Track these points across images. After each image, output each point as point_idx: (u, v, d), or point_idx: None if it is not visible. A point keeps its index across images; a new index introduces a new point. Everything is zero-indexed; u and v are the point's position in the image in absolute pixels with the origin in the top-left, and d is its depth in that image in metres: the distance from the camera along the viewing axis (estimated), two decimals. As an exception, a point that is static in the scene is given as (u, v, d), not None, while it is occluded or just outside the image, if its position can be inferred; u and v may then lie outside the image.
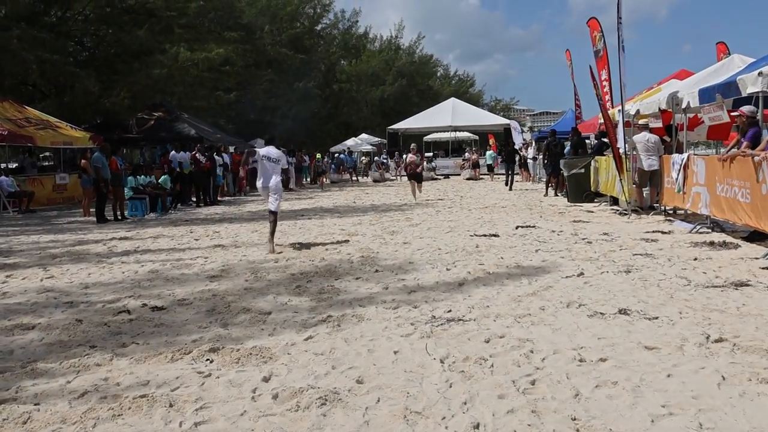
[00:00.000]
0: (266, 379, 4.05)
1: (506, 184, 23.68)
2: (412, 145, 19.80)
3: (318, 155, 37.41)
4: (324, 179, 30.28)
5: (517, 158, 27.12)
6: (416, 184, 19.06)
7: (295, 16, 44.39)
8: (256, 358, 4.48)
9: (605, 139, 15.87)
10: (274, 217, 9.66)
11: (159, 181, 17.70)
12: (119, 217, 15.28)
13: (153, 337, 5.08)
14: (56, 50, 23.13)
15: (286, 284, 7.01)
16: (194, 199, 19.82)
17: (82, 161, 16.13)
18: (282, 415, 3.52)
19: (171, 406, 3.63)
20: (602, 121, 15.03)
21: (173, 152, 19.78)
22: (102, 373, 4.22)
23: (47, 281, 7.56)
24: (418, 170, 19.24)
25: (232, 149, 27.18)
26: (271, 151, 9.74)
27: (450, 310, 5.62)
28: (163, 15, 26.23)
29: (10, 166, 21.56)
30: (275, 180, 9.55)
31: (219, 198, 21.16)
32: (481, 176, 32.38)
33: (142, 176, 17.17)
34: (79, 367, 4.35)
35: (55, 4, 25.57)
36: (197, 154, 19.75)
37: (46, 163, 27.38)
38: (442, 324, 5.19)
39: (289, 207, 17.55)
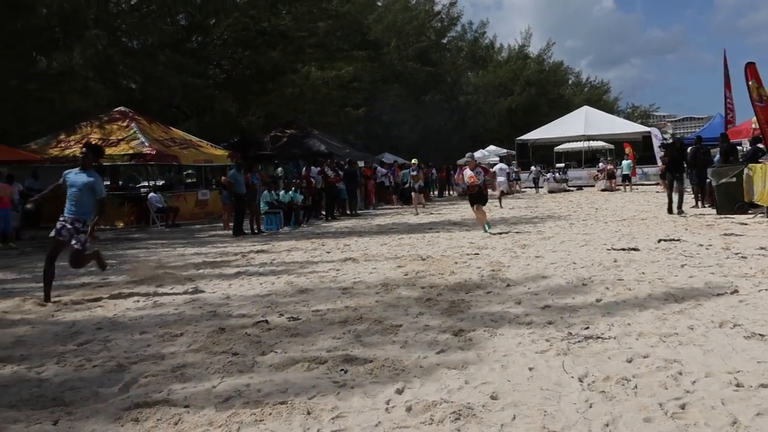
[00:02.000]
0: (399, 392, 4.11)
1: (669, 206, 15.97)
2: (468, 156, 14.31)
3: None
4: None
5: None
6: (480, 208, 13.66)
7: (422, 30, 44.93)
8: (389, 370, 4.55)
9: (760, 145, 14.76)
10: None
11: (290, 195, 18.47)
12: (255, 231, 16.10)
13: (290, 346, 5.30)
14: (197, 74, 24.89)
15: (416, 297, 7.08)
16: (323, 213, 20.54)
17: (222, 178, 17.17)
18: (416, 427, 3.55)
19: (309, 413, 3.77)
20: (756, 125, 14.07)
21: (312, 168, 20.69)
22: (244, 380, 4.46)
23: (193, 292, 8.10)
24: (479, 189, 13.56)
25: (361, 164, 27.87)
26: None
27: (587, 327, 5.44)
28: (295, 36, 27.46)
29: (158, 184, 23.30)
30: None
31: (348, 212, 21.76)
32: (617, 187, 31.13)
33: (282, 192, 17.96)
34: (223, 373, 4.62)
35: (195, 30, 27.53)
36: (327, 169, 20.45)
37: (189, 180, 29.39)
38: (579, 341, 5.03)
39: (417, 221, 17.73)
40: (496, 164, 28.67)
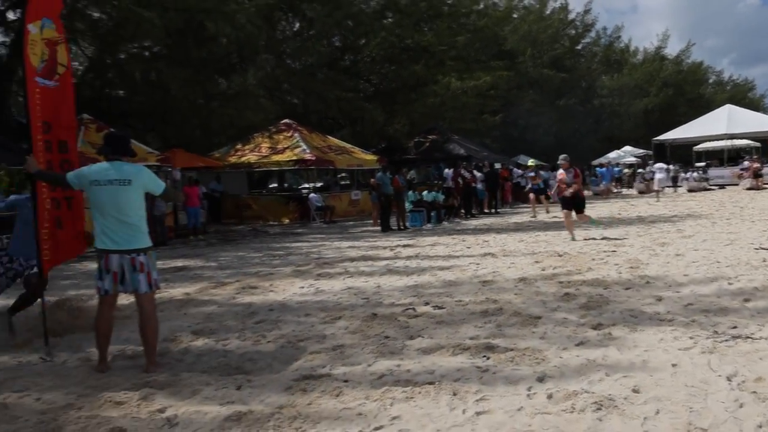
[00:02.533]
0: (540, 380, 3.98)
1: None
2: (562, 157, 12.30)
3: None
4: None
5: None
6: (571, 214, 11.77)
7: (556, 38, 43.41)
8: (530, 359, 4.42)
9: None
10: None
11: (433, 195, 18.56)
12: (401, 227, 16.33)
13: (436, 332, 5.31)
14: (350, 88, 25.70)
15: (554, 291, 6.83)
16: (463, 211, 20.45)
17: (372, 180, 17.59)
18: (557, 414, 3.42)
19: (455, 394, 3.75)
20: None
21: (446, 170, 20.84)
22: (395, 361, 4.52)
23: (349, 281, 8.34)
24: (571, 193, 11.71)
25: (498, 165, 27.44)
26: None
27: (735, 327, 4.97)
28: (436, 50, 27.57)
29: (317, 185, 24.29)
30: None
31: (487, 210, 21.50)
32: (764, 185, 28.23)
33: (425, 192, 18.13)
34: (377, 354, 4.71)
35: (348, 50, 28.42)
36: (463, 171, 20.35)
37: (343, 182, 30.40)
38: (726, 340, 4.61)
39: (550, 219, 17.14)
40: (654, 165, 27.53)
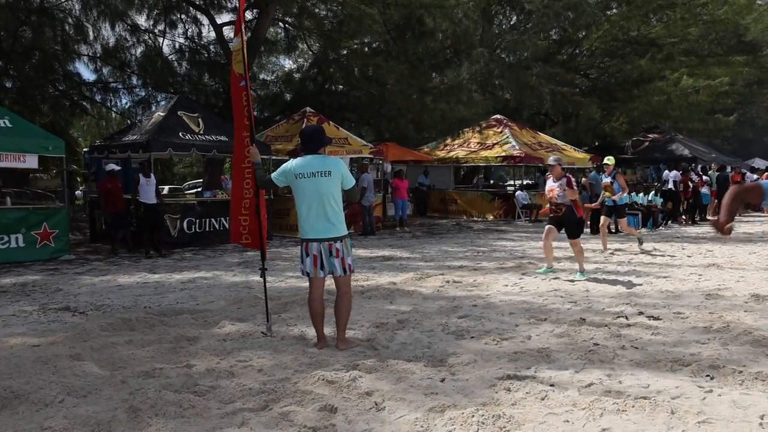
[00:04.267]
0: (776, 409, 3.56)
1: None
2: (553, 159, 8.77)
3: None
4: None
5: None
6: (570, 242, 8.82)
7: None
8: (763, 384, 3.97)
9: None
10: None
11: (649, 198, 17.29)
12: (613, 231, 15.45)
13: (650, 344, 4.99)
14: (566, 83, 24.79)
15: (796, 314, 6.02)
16: (683, 217, 18.77)
17: (584, 179, 16.85)
18: (797, 452, 3.04)
19: (672, 413, 3.50)
20: None
21: (666, 171, 19.30)
22: (605, 370, 4.34)
23: (554, 282, 8.14)
24: (565, 211, 8.55)
25: (729, 169, 24.66)
26: None
27: None
28: (665, 43, 25.51)
29: (524, 183, 23.88)
30: None
31: (709, 217, 19.46)
32: None
33: (641, 194, 17.02)
34: (585, 361, 4.56)
35: (566, 44, 27.43)
36: (692, 175, 18.62)
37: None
38: None
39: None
40: None
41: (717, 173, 20.42)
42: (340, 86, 20.97)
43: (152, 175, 11.47)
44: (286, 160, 5.16)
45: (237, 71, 5.76)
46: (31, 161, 10.53)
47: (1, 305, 6.91)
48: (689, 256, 10.65)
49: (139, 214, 11.44)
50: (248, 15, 17.48)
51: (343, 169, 4.99)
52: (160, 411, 3.55)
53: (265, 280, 5.72)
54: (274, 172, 5.14)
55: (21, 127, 10.65)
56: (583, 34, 26.22)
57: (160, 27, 17.74)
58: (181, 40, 18.35)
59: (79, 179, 26.29)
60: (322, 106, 18.83)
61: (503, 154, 20.42)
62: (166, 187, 27.03)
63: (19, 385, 3.94)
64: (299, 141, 5.28)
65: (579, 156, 22.57)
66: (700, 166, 22.50)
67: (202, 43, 17.83)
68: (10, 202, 11.58)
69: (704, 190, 19.39)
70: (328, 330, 5.28)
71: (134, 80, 18.26)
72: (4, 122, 10.36)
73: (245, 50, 5.68)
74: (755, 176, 25.11)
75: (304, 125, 14.92)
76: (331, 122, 16.84)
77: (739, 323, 5.63)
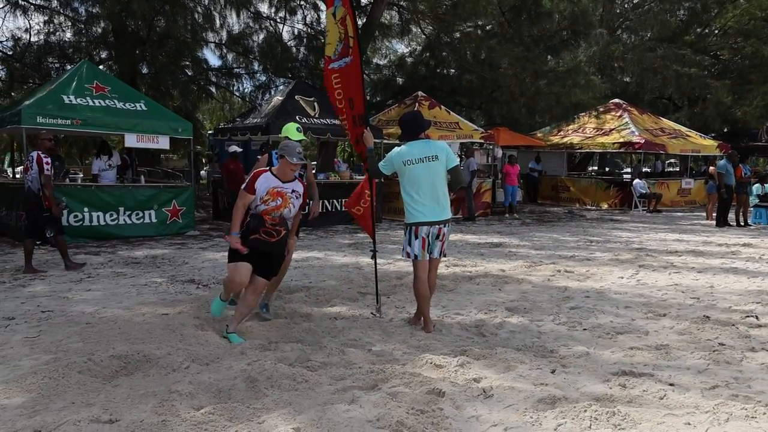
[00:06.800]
0: None
1: None
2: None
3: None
4: None
5: None
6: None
7: None
8: None
9: None
10: None
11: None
12: (742, 224, 14.33)
13: (785, 349, 4.59)
14: (693, 65, 23.15)
15: None
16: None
17: (711, 168, 15.73)
18: None
19: (810, 425, 3.20)
20: None
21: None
22: (731, 372, 4.05)
23: (675, 276, 7.68)
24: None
25: None
26: None
27: None
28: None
29: (643, 170, 22.68)
30: None
31: None
32: None
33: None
34: (709, 361, 4.27)
35: (696, 23, 25.57)
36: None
37: (670, 169, 27.78)
38: None
39: None
40: None
41: None
42: (452, 70, 20.78)
43: (270, 156, 11.91)
44: (398, 145, 5.15)
45: (327, 53, 5.66)
46: (163, 142, 11.26)
47: (135, 275, 7.48)
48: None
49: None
50: (364, -1, 17.69)
51: (449, 152, 4.99)
52: (276, 383, 3.70)
53: (375, 261, 5.80)
54: (380, 162, 5.17)
55: (155, 111, 11.41)
56: (716, 11, 24.31)
57: (281, 14, 18.34)
58: (300, 26, 18.89)
59: (203, 160, 27.89)
60: (434, 90, 18.74)
61: (621, 140, 19.44)
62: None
63: (150, 349, 4.26)
64: (399, 129, 5.26)
65: (706, 143, 21.09)
66: None
67: (319, 28, 18.22)
68: (144, 181, 12.45)
69: None
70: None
71: (255, 66, 19.04)
72: (140, 106, 11.14)
73: (349, 31, 5.46)
74: None
75: (416, 109, 14.93)
76: (442, 106, 16.74)
77: None
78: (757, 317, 5.51)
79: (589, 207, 19.47)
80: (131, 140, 10.75)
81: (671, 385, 3.77)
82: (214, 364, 4.08)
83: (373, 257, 5.77)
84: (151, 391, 3.56)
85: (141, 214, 10.92)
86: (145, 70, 18.16)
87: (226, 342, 4.58)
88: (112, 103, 10.81)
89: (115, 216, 10.62)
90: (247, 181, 4.67)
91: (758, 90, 23.92)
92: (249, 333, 4.85)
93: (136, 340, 4.60)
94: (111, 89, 11.06)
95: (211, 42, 18.41)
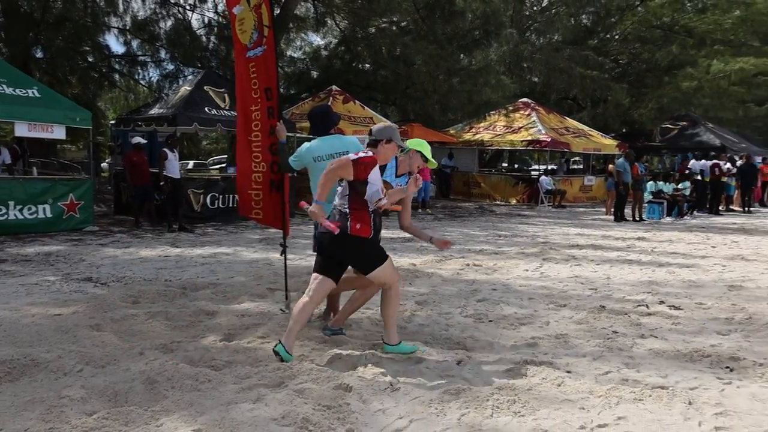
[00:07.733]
0: (798, 406, 3.48)
1: None
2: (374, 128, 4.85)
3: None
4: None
5: None
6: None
7: None
8: (784, 379, 3.88)
9: None
10: None
11: (678, 186, 16.97)
12: (636, 219, 15.24)
13: (670, 334, 4.91)
14: (596, 67, 24.36)
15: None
16: (708, 206, 18.43)
17: (610, 166, 16.61)
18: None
19: (690, 404, 3.44)
20: None
21: (693, 160, 18.96)
22: (623, 358, 4.29)
23: (576, 269, 8.05)
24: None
25: (759, 160, 24.10)
26: None
27: None
28: (699, 31, 24.88)
29: (548, 167, 23.65)
30: None
31: (734, 208, 19.14)
32: None
33: (662, 182, 16.76)
34: (603, 348, 4.50)
35: (599, 28, 26.92)
36: (723, 164, 18.25)
37: (575, 167, 29.14)
38: None
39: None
40: None
41: (742, 163, 19.97)
42: (367, 65, 20.85)
43: (175, 149, 11.51)
44: (311, 139, 5.08)
45: (243, 41, 5.46)
46: (58, 132, 10.64)
47: (25, 274, 7.03)
48: (714, 247, 10.46)
49: (166, 189, 11.42)
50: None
51: (359, 148, 4.94)
52: (177, 384, 3.58)
53: (285, 257, 5.72)
54: (290, 156, 5.06)
55: (49, 98, 10.76)
56: (616, 18, 25.67)
57: (190, 1, 17.76)
58: (211, 14, 18.38)
59: (105, 151, 26.60)
60: (349, 84, 18.74)
61: (529, 138, 20.19)
62: (191, 162, 27.25)
63: (39, 353, 4.01)
64: (309, 124, 5.16)
65: (606, 142, 22.24)
66: (728, 155, 21.99)
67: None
68: (36, 173, 11.72)
69: (729, 180, 18.99)
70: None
71: (162, 54, 18.36)
72: (33, 92, 10.47)
73: (264, 20, 5.30)
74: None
75: (329, 104, 14.86)
76: (356, 101, 16.76)
77: (761, 315, 5.52)
78: (647, 306, 5.86)
79: (498, 203, 20.11)
80: (22, 129, 10.10)
81: (568, 372, 3.95)
82: (111, 367, 3.89)
83: (283, 252, 5.69)
84: (38, 398, 3.34)
85: (34, 209, 10.27)
86: (39, 55, 17.09)
87: (124, 343, 4.38)
88: (1, 88, 10.10)
89: (4, 211, 9.93)
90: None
91: (653, 93, 25.53)
92: (149, 333, 4.66)
93: (22, 343, 4.31)
94: (-1, 74, 10.34)
95: (114, 27, 17.59)
